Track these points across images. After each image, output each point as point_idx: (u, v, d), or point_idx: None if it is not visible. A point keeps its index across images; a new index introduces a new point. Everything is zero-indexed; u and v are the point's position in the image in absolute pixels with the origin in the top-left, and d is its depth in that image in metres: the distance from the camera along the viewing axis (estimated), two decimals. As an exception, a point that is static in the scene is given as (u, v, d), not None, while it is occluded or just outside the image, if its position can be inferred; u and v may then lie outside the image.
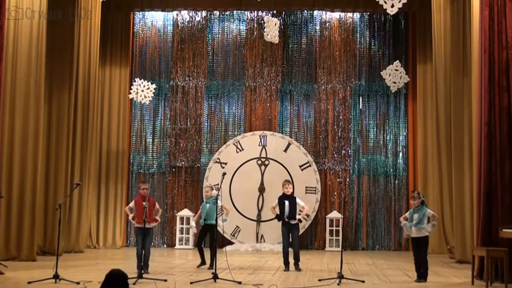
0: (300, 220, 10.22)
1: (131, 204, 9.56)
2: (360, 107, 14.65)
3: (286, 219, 9.91)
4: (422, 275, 8.63)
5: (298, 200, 10.09)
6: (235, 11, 14.81)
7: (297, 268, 9.79)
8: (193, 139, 14.65)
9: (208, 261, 9.96)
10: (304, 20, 14.89)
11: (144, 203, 9.10)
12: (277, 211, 10.08)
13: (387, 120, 14.58)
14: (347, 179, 14.36)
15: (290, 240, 9.98)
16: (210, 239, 10.24)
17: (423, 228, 8.65)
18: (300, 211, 10.19)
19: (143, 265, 8.92)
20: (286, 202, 9.92)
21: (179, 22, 15.00)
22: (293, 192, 10.12)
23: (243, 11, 14.80)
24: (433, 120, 12.95)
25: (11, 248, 10.35)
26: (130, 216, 9.48)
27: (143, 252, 9.04)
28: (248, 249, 13.31)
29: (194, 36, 14.93)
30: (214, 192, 10.13)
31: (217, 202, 9.86)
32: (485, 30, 8.89)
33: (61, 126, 11.84)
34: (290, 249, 9.91)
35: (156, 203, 9.71)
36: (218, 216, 9.80)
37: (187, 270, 9.71)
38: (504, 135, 8.65)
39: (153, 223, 9.39)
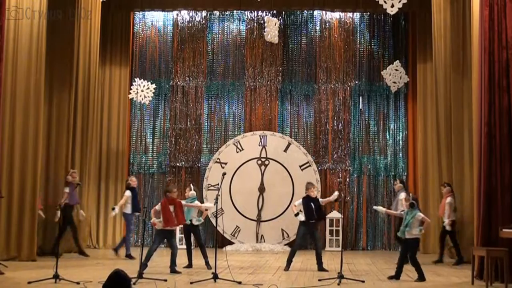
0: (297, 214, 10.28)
1: (157, 207, 9.47)
2: (360, 107, 14.65)
3: (313, 220, 10.07)
4: (397, 274, 8.78)
5: (320, 200, 10.33)
6: (235, 11, 14.81)
7: (323, 269, 9.81)
8: (193, 139, 14.65)
9: (199, 261, 10.01)
10: (304, 20, 14.89)
11: (171, 206, 9.26)
12: (299, 210, 10.11)
13: (387, 120, 14.58)
14: (347, 179, 14.37)
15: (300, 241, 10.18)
16: (196, 239, 10.29)
17: (410, 231, 8.75)
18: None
19: (171, 264, 9.24)
20: (312, 205, 10.04)
21: (179, 22, 15.00)
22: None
23: (243, 11, 14.80)
24: (433, 120, 12.94)
25: (11, 248, 10.35)
26: (153, 220, 9.41)
27: (173, 252, 9.32)
28: (248, 249, 13.31)
29: (194, 36, 14.94)
30: (192, 193, 10.18)
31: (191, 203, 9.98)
32: (485, 30, 8.89)
33: (61, 126, 11.84)
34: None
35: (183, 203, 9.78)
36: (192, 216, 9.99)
37: (187, 270, 9.71)
38: (504, 135, 8.65)
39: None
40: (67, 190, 11.41)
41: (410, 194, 9.27)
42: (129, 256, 11.30)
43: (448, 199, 11.15)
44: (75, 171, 11.74)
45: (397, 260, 8.97)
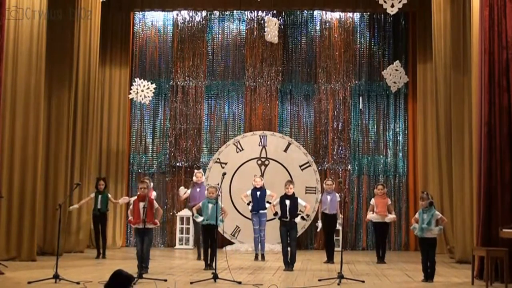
0: (303, 218, 10.47)
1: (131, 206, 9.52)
2: (360, 107, 14.65)
3: (286, 219, 10.02)
4: (429, 275, 8.65)
5: (299, 200, 10.26)
6: (235, 11, 14.81)
7: (291, 268, 9.83)
8: (193, 139, 14.66)
9: (200, 262, 9.97)
10: (304, 20, 14.89)
11: (141, 203, 9.09)
12: (278, 209, 10.19)
13: (387, 120, 14.57)
14: (347, 179, 14.37)
15: (289, 241, 10.05)
16: (210, 239, 10.21)
17: (431, 230, 8.65)
18: (301, 211, 10.36)
19: (142, 265, 8.94)
20: (287, 202, 10.03)
21: (179, 22, 15.01)
22: (294, 193, 10.23)
23: (243, 11, 14.80)
24: (433, 120, 12.94)
25: (11, 248, 10.35)
26: (129, 218, 9.44)
27: (142, 252, 9.05)
28: (248, 249, 13.29)
29: (194, 36, 14.93)
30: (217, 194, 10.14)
31: (217, 203, 9.82)
32: (485, 30, 8.89)
33: (61, 126, 11.83)
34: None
35: (155, 203, 9.59)
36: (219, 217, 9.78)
37: (187, 270, 9.71)
38: (504, 135, 8.65)
39: (150, 225, 9.24)
40: (188, 191, 11.80)
41: (427, 193, 9.16)
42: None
43: (389, 201, 11.57)
44: (200, 172, 11.90)
45: (423, 262, 8.75)
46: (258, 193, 11.47)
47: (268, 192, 11.53)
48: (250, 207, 11.55)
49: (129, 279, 4.42)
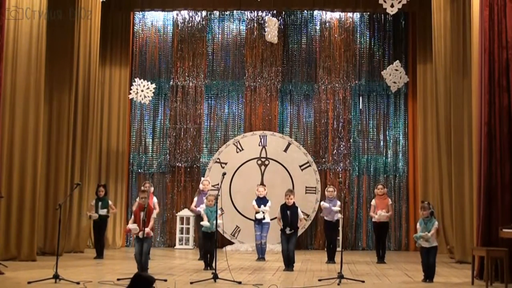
0: (291, 230, 10.12)
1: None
2: (360, 107, 14.66)
3: (288, 231, 10.00)
4: (429, 275, 8.66)
5: (299, 211, 10.19)
6: (235, 11, 14.82)
7: (291, 269, 9.85)
8: (193, 139, 14.66)
9: (201, 262, 9.95)
10: (304, 20, 14.90)
11: (142, 213, 8.94)
12: (281, 224, 10.18)
13: (387, 120, 14.58)
14: (347, 179, 14.37)
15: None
16: (211, 245, 10.19)
17: (430, 239, 8.64)
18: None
19: (142, 267, 8.94)
20: (288, 212, 10.01)
21: (179, 22, 15.01)
22: (294, 202, 10.18)
23: (243, 11, 14.81)
24: (433, 120, 12.95)
25: (11, 248, 10.34)
26: (128, 227, 9.18)
27: (141, 257, 9.00)
28: (248, 249, 13.30)
29: (194, 36, 14.94)
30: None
31: (216, 211, 9.85)
32: (485, 30, 8.89)
33: (61, 126, 11.83)
34: None
35: (154, 212, 9.50)
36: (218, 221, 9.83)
37: (187, 270, 9.71)
38: (504, 135, 8.65)
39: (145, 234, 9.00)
40: (195, 199, 11.79)
41: (429, 203, 9.12)
42: None
43: (390, 201, 11.56)
44: (207, 179, 11.86)
45: (423, 266, 8.73)
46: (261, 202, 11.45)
47: (268, 203, 11.39)
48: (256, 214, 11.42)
49: (150, 281, 4.41)
